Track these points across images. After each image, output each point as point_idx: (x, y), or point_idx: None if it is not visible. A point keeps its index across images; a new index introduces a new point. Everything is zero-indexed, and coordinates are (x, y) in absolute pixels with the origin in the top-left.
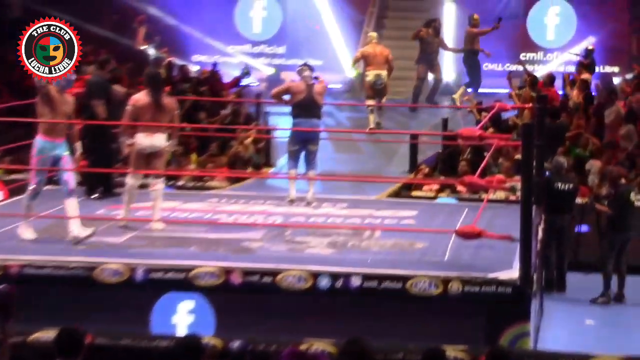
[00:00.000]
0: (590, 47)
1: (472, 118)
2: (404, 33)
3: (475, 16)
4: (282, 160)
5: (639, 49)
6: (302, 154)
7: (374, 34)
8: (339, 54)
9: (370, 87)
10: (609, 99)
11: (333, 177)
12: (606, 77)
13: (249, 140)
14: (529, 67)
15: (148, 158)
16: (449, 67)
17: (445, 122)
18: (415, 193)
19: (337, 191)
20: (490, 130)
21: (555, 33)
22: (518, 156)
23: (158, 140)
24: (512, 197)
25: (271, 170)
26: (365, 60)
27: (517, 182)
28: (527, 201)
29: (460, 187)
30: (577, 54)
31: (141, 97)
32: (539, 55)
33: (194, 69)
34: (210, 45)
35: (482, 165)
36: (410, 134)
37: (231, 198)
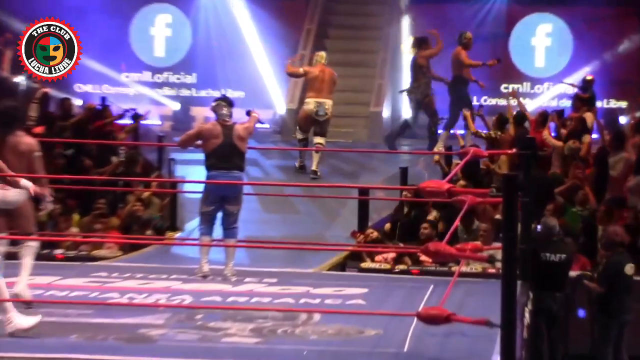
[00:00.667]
0: (588, 77)
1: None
2: (350, 57)
3: (468, 34)
4: (193, 223)
5: None
6: (219, 216)
7: (322, 54)
8: (267, 85)
9: (307, 118)
10: (614, 143)
11: (259, 244)
12: (610, 115)
13: (147, 195)
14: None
15: (6, 217)
16: (407, 103)
17: (404, 173)
18: (365, 265)
19: (264, 262)
20: (462, 183)
21: (546, 58)
22: (498, 216)
23: (11, 194)
24: (491, 270)
25: (178, 235)
26: (308, 84)
27: (497, 250)
28: (509, 275)
29: (423, 257)
30: (573, 85)
31: None
32: (525, 86)
33: (77, 102)
34: (98, 72)
35: (452, 228)
36: (358, 188)
37: (125, 271)
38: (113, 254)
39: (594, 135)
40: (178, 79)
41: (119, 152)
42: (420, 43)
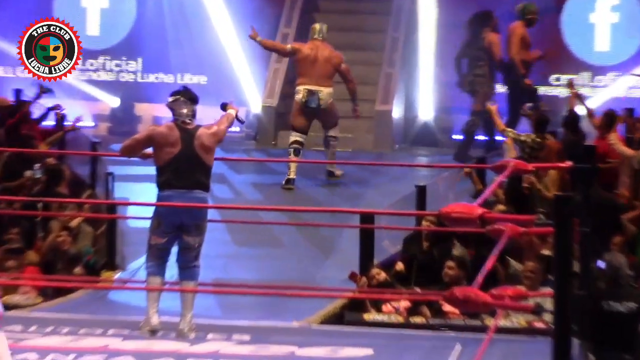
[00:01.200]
0: None
1: (468, 186)
2: (349, 38)
3: (532, 7)
4: (139, 261)
5: None
6: (174, 250)
7: (317, 26)
8: (238, 74)
9: (298, 111)
10: None
11: (227, 289)
12: None
13: (76, 222)
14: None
15: None
16: (427, 99)
17: (421, 193)
18: (369, 316)
19: (234, 313)
20: (501, 207)
21: (612, 40)
22: (546, 252)
23: None
24: (538, 324)
25: (117, 275)
26: (297, 67)
27: (546, 296)
28: (562, 331)
29: (448, 307)
30: None
31: None
32: (584, 77)
33: None
34: (8, 54)
35: (487, 268)
36: (360, 214)
37: (46, 324)
38: (30, 300)
39: None
40: (118, 65)
41: (34, 168)
42: (484, 19)
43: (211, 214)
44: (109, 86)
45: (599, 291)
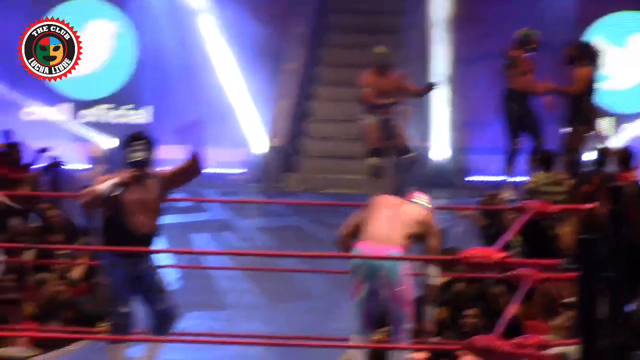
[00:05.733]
0: None
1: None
2: (353, 74)
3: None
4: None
5: None
6: None
7: (382, 49)
8: (239, 116)
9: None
10: None
11: (234, 340)
12: None
13: (78, 273)
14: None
15: None
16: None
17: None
18: None
19: None
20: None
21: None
22: (569, 300)
23: None
24: None
25: None
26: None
27: (570, 345)
28: None
29: (467, 357)
30: None
31: None
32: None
33: None
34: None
35: (510, 311)
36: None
37: None
38: (26, 353)
39: None
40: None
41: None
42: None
43: (220, 261)
44: (106, 128)
45: (627, 340)
